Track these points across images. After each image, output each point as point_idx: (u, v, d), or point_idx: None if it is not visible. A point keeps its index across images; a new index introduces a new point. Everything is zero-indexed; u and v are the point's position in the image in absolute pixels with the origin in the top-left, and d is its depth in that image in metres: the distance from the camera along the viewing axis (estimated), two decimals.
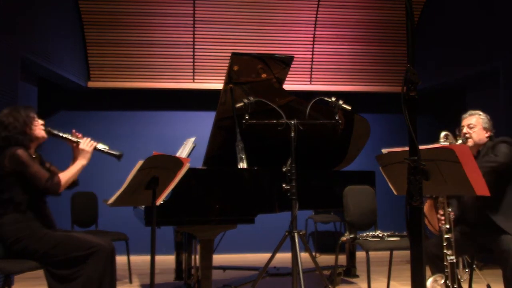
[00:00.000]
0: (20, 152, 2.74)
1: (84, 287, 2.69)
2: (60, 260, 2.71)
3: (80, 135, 3.01)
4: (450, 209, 2.91)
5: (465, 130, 3.14)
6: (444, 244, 2.85)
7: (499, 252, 2.82)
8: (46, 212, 2.90)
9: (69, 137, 2.98)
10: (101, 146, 3.00)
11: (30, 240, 2.71)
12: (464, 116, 3.22)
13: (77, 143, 2.97)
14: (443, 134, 2.95)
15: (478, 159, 3.07)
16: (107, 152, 2.99)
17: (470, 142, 3.09)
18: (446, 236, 2.86)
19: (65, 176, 2.84)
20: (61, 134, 2.97)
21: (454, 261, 2.82)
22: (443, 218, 2.93)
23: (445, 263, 2.83)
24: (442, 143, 2.89)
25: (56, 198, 2.92)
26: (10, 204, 2.76)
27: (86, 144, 2.95)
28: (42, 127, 2.94)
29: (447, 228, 2.88)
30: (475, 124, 3.13)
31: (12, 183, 2.76)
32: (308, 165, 3.96)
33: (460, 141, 3.04)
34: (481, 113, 3.18)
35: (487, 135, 3.14)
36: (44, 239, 2.73)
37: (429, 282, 2.71)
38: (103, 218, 4.77)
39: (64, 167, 2.95)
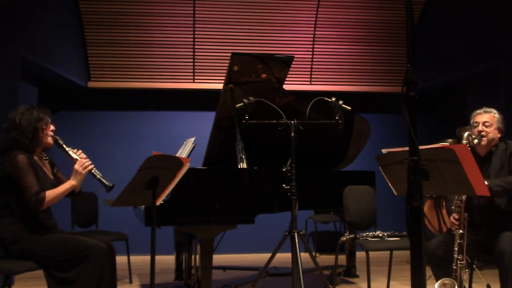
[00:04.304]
0: (21, 158, 2.74)
1: None
2: (58, 262, 2.71)
3: (80, 153, 2.96)
4: (466, 214, 2.82)
5: (480, 127, 2.96)
6: (456, 249, 2.79)
7: (496, 252, 2.80)
8: (46, 215, 2.88)
9: (70, 152, 2.95)
10: (96, 171, 2.94)
11: (27, 241, 2.71)
12: (478, 112, 3.03)
13: (76, 160, 2.94)
14: (466, 134, 2.86)
15: (492, 164, 2.96)
16: (99, 179, 2.93)
17: (484, 141, 2.93)
18: (459, 241, 2.79)
19: (52, 194, 2.80)
20: (65, 147, 2.96)
21: (464, 265, 2.78)
22: (457, 222, 2.85)
23: (454, 267, 2.79)
24: (465, 143, 2.82)
25: None
26: (7, 207, 2.78)
27: (81, 165, 2.89)
28: (52, 134, 2.94)
29: (461, 233, 2.81)
30: (491, 123, 2.96)
31: (11, 186, 2.75)
32: (308, 165, 3.96)
33: (476, 140, 2.89)
34: (495, 111, 3.01)
35: (499, 135, 2.99)
36: (40, 240, 2.73)
37: (436, 285, 2.69)
38: (103, 218, 4.76)
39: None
